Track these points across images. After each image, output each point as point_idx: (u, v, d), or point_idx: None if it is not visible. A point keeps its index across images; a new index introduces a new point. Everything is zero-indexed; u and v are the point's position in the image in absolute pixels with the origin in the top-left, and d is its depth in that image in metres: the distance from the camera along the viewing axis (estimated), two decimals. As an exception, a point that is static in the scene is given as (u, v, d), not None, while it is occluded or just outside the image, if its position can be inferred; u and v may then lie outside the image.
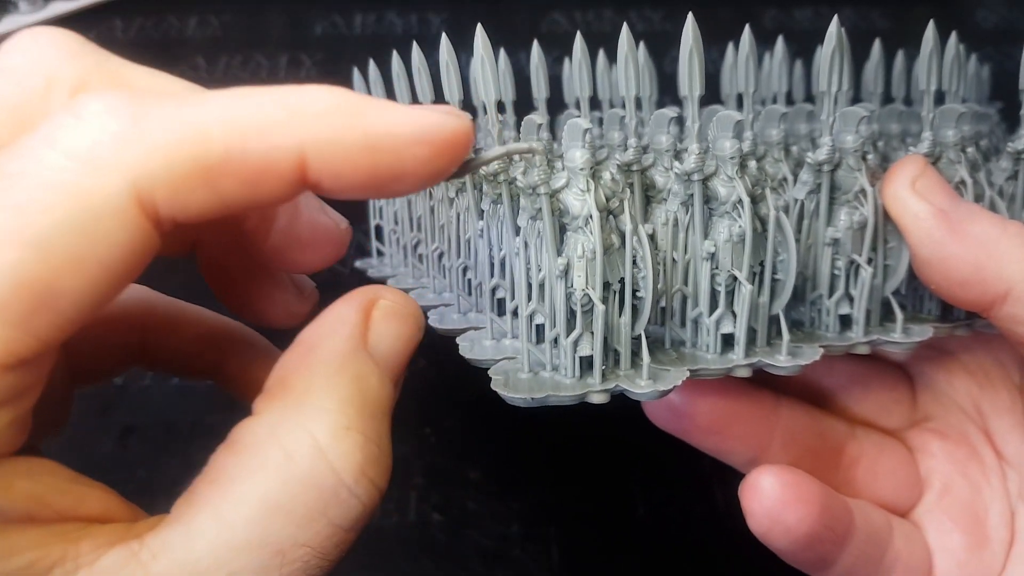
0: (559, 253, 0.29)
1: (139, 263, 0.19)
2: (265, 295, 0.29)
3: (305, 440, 0.21)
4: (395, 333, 0.24)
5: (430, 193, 0.39)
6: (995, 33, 0.62)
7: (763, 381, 0.34)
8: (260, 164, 0.20)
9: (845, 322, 0.33)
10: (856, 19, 0.63)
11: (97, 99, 0.19)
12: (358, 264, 0.46)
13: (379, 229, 0.45)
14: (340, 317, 0.24)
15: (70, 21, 0.68)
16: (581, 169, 0.29)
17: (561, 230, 0.29)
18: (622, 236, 0.29)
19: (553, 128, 0.41)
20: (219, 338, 0.31)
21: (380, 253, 0.46)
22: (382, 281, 0.42)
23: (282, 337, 0.26)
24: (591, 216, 0.28)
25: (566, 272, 0.29)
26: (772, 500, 0.31)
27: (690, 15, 0.29)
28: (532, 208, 0.29)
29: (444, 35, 0.29)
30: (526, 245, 0.30)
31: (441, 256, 0.39)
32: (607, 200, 0.29)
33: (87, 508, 0.21)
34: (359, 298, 0.24)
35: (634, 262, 0.30)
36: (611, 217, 0.29)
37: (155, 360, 0.30)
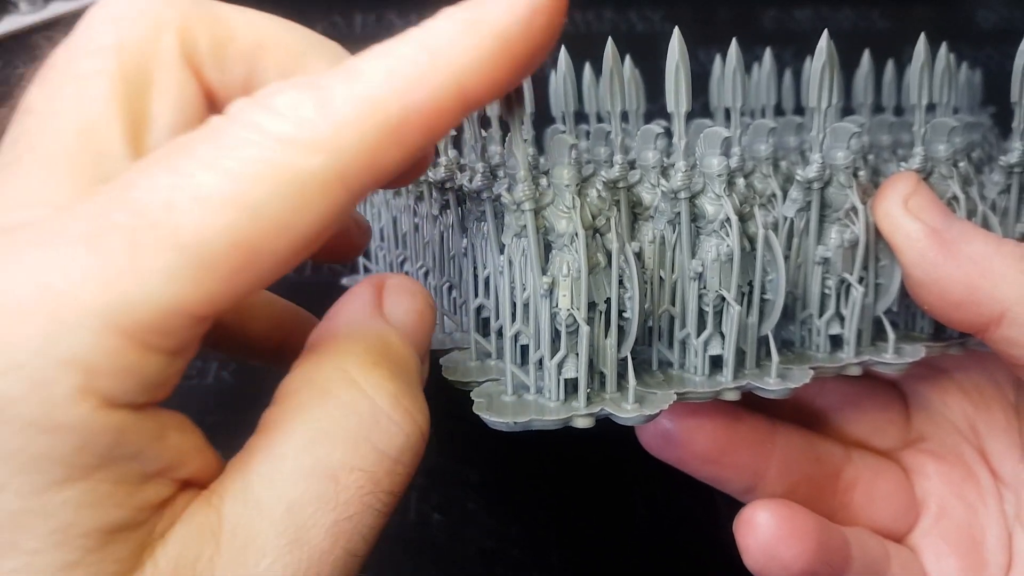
0: (544, 272, 0.28)
1: (331, 229, 0.21)
2: (336, 234, 0.30)
3: (338, 375, 0.23)
4: (406, 305, 0.26)
5: (415, 210, 0.38)
6: (995, 33, 0.62)
7: (757, 405, 0.33)
8: (433, 108, 0.21)
9: (836, 342, 0.33)
10: (856, 19, 0.62)
11: (285, 89, 0.21)
12: (344, 281, 0.46)
13: (365, 246, 0.45)
14: (355, 293, 0.26)
15: (70, 21, 0.67)
16: (567, 186, 0.28)
17: (546, 248, 0.28)
18: (608, 255, 0.29)
19: (539, 142, 0.40)
20: (286, 321, 0.33)
21: (367, 270, 0.45)
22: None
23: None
24: (577, 234, 0.28)
25: (551, 291, 0.28)
26: (768, 536, 0.31)
27: (676, 30, 0.28)
28: (517, 225, 0.28)
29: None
30: (510, 263, 0.29)
31: (427, 274, 0.38)
32: (593, 218, 0.28)
33: (209, 474, 0.22)
34: (369, 280, 0.26)
35: (620, 282, 0.29)
36: (597, 235, 0.29)
37: (227, 341, 0.32)
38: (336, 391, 0.22)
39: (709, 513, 0.46)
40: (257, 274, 0.20)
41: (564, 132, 0.29)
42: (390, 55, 0.21)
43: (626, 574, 0.45)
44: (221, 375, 0.50)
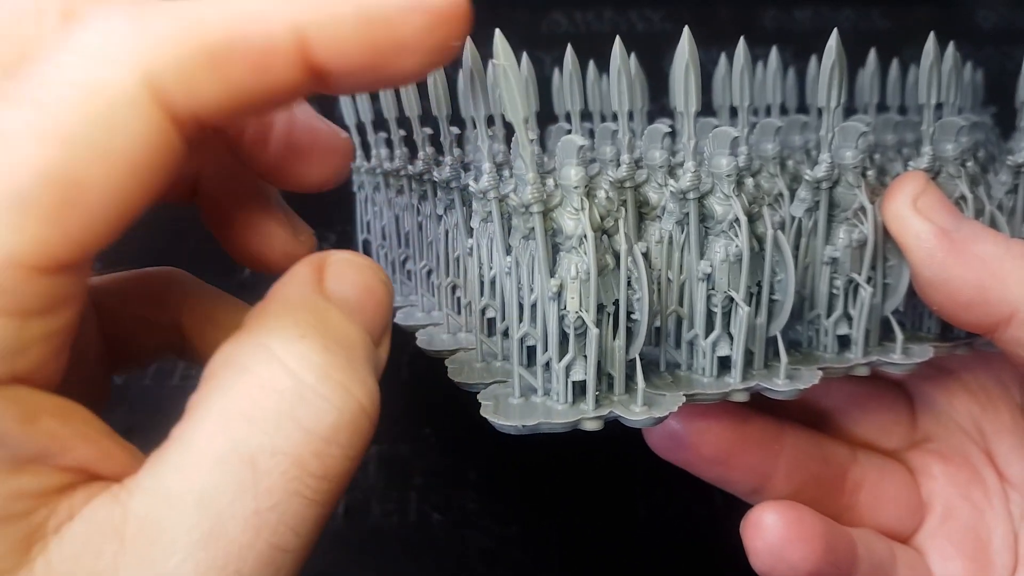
0: (552, 274, 0.28)
1: (163, 163, 0.19)
2: (264, 236, 0.28)
3: (258, 351, 0.21)
4: (351, 279, 0.23)
5: (418, 209, 0.38)
6: (995, 33, 0.61)
7: (764, 405, 0.33)
8: (262, 46, 0.19)
9: (844, 342, 0.32)
10: (856, 19, 0.62)
11: (97, 6, 0.19)
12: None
13: (367, 244, 0.44)
14: (292, 271, 0.23)
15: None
16: (575, 187, 0.28)
17: (553, 250, 0.28)
18: (617, 256, 0.28)
19: (543, 141, 0.40)
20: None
21: None
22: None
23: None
24: (585, 236, 0.27)
25: (559, 294, 0.28)
26: (775, 538, 0.30)
27: (686, 29, 0.28)
28: (524, 228, 0.28)
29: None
30: (518, 265, 0.29)
31: (430, 273, 0.38)
32: (601, 219, 0.28)
33: (110, 466, 0.20)
34: (310, 257, 0.24)
35: (629, 283, 0.29)
36: (605, 237, 0.28)
37: (189, 347, 0.30)
38: (254, 367, 0.20)
39: (709, 513, 0.46)
40: (88, 211, 0.18)
41: (570, 132, 0.29)
42: None
43: (626, 573, 0.45)
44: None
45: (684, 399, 0.29)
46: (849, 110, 0.42)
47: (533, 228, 0.27)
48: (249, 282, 0.53)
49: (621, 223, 0.28)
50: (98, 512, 0.19)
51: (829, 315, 0.32)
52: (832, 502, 0.34)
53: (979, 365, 0.36)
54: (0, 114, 0.18)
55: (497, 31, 0.25)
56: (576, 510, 0.47)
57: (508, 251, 0.29)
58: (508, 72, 0.25)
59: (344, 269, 0.24)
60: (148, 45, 0.19)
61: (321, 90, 0.21)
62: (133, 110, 0.18)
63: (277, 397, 0.20)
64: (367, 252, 0.44)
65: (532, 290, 0.28)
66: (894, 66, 0.42)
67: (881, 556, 0.33)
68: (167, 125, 0.19)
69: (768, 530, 0.31)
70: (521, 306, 0.29)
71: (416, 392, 0.48)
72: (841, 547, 0.32)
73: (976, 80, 0.43)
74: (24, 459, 0.19)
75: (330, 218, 0.47)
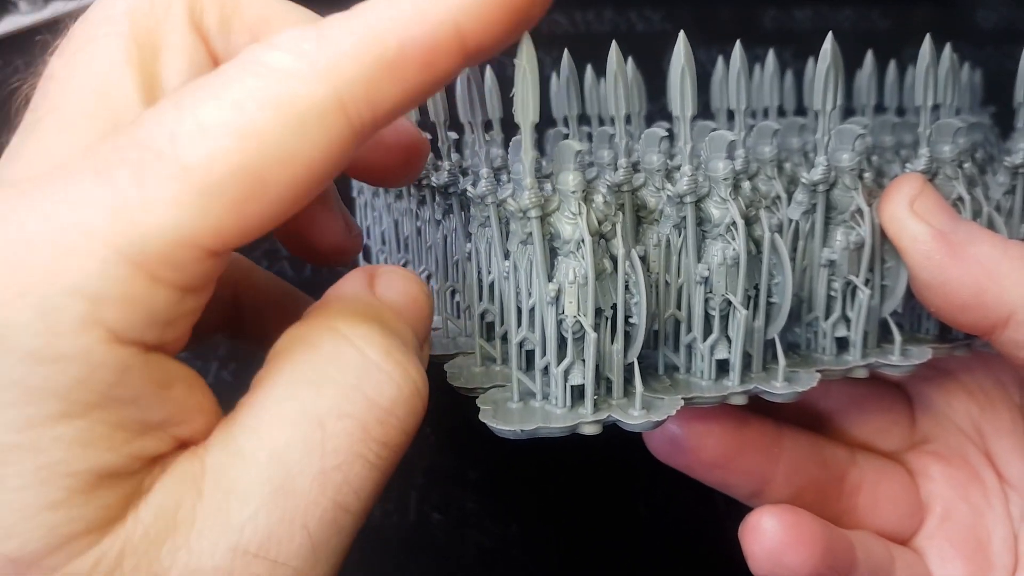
0: (550, 278, 0.28)
1: (337, 167, 0.21)
2: (321, 228, 0.30)
3: (327, 330, 0.22)
4: (399, 287, 0.25)
5: (416, 214, 0.38)
6: (995, 33, 0.61)
7: (763, 408, 0.33)
8: (430, 45, 0.21)
9: (842, 344, 0.32)
10: (856, 19, 0.62)
11: (284, 33, 0.21)
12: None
13: (367, 249, 0.44)
14: (347, 276, 0.25)
15: (71, 21, 0.68)
16: (573, 192, 0.28)
17: (551, 254, 0.28)
18: (614, 261, 0.28)
19: (540, 144, 0.40)
20: (284, 299, 0.33)
21: None
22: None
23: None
24: (583, 240, 0.27)
25: (557, 298, 0.28)
26: (774, 542, 0.31)
27: (681, 33, 0.28)
28: (522, 232, 0.28)
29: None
30: (516, 269, 0.29)
31: (430, 278, 0.38)
32: (599, 224, 0.28)
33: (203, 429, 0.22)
34: (362, 268, 0.26)
35: (627, 287, 0.29)
36: (603, 241, 0.29)
37: (240, 325, 0.32)
38: (322, 344, 0.22)
39: (710, 514, 0.46)
40: (264, 205, 0.20)
41: (568, 136, 0.29)
42: None
43: (626, 573, 0.45)
44: (221, 375, 0.50)
45: (682, 402, 0.29)
46: (848, 111, 0.42)
47: (531, 233, 0.27)
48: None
49: (618, 227, 0.28)
50: (181, 467, 0.20)
51: (827, 317, 0.32)
52: (831, 505, 0.34)
53: (978, 366, 0.36)
54: (202, 108, 0.20)
55: (526, 33, 0.25)
56: (576, 510, 0.47)
57: (506, 255, 0.29)
58: (528, 75, 0.25)
59: (393, 279, 0.25)
60: (335, 63, 0.20)
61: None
62: (322, 120, 0.20)
63: (344, 368, 0.22)
64: (367, 258, 0.45)
65: (530, 294, 0.28)
66: (891, 68, 0.42)
67: (880, 558, 0.33)
68: (348, 132, 0.21)
69: (766, 534, 0.31)
70: (519, 310, 0.29)
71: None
72: (839, 550, 0.32)
73: (974, 80, 0.43)
74: (151, 424, 0.20)
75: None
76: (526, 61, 0.25)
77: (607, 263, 0.28)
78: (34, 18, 0.68)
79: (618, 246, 0.28)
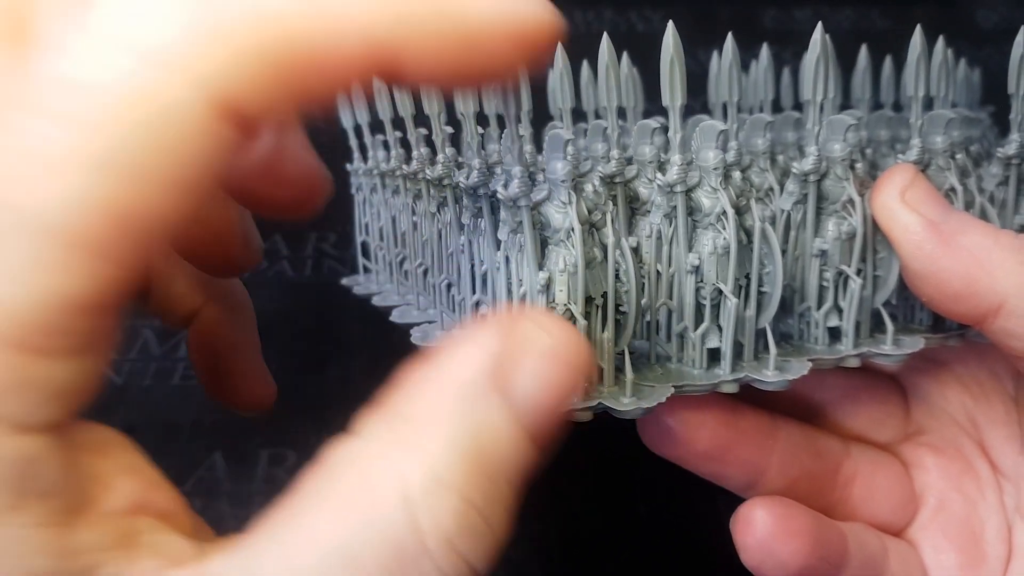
0: (540, 267, 0.28)
1: (218, 168, 0.17)
2: (241, 375, 0.32)
3: (393, 482, 0.18)
4: (545, 379, 0.20)
5: (413, 208, 0.38)
6: (995, 33, 0.62)
7: (758, 400, 0.33)
8: (347, 56, 0.17)
9: (834, 334, 0.33)
10: (856, 19, 0.62)
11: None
12: (344, 281, 0.46)
13: (365, 246, 0.45)
14: (479, 343, 0.20)
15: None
16: (563, 181, 0.28)
17: (542, 244, 0.28)
18: (604, 249, 0.29)
19: (538, 141, 0.40)
20: (203, 283, 0.32)
21: (367, 270, 0.45)
22: (366, 298, 0.42)
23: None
24: (573, 229, 0.28)
25: (547, 287, 0.28)
26: (764, 534, 0.31)
27: (670, 23, 0.28)
28: (513, 221, 0.28)
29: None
30: (507, 260, 0.29)
31: (426, 272, 0.38)
32: (589, 213, 0.29)
33: (154, 500, 0.19)
34: (508, 324, 0.20)
35: (617, 276, 0.29)
36: (593, 230, 0.29)
37: (146, 297, 0.30)
38: (382, 505, 0.18)
39: (711, 512, 0.46)
40: (142, 239, 0.16)
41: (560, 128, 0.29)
42: None
43: (626, 573, 0.45)
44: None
45: (673, 390, 0.29)
46: (845, 108, 0.42)
47: (521, 221, 0.28)
48: (248, 282, 0.54)
49: (609, 216, 0.29)
50: None
51: (819, 307, 0.32)
52: (825, 496, 0.34)
53: (972, 357, 0.36)
54: (34, 128, 0.15)
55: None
56: (576, 509, 0.47)
57: (498, 246, 0.30)
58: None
59: (542, 364, 0.20)
60: (215, 49, 0.16)
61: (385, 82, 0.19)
62: (192, 127, 0.16)
63: (393, 555, 0.18)
64: (365, 254, 0.45)
65: (521, 283, 0.29)
66: (887, 63, 0.42)
67: (872, 550, 0.33)
68: (227, 131, 0.17)
69: (757, 526, 0.31)
70: (511, 299, 0.29)
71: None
72: (831, 542, 0.32)
73: (973, 79, 0.43)
74: (73, 508, 0.17)
75: (331, 219, 0.47)
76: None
77: (597, 252, 0.29)
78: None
79: (608, 235, 0.28)
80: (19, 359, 0.16)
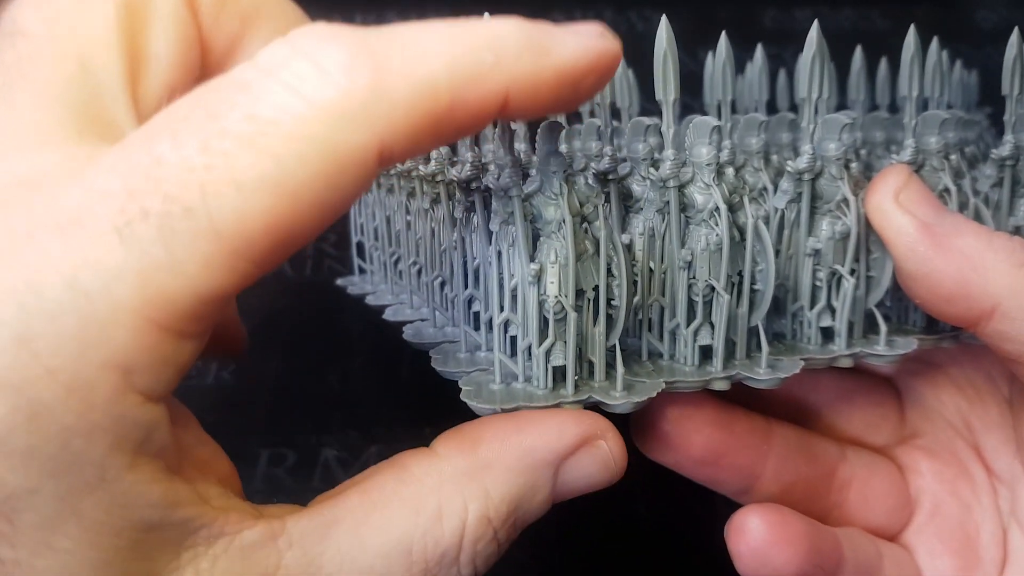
0: (532, 259, 0.28)
1: (351, 202, 0.21)
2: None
3: (457, 507, 0.23)
4: (588, 475, 0.26)
5: (407, 207, 0.38)
6: (995, 33, 0.62)
7: (752, 404, 0.33)
8: (477, 108, 0.21)
9: (827, 334, 0.32)
10: (856, 19, 0.62)
11: (336, 47, 0.19)
12: (339, 282, 0.46)
13: (360, 246, 0.45)
14: (563, 430, 0.26)
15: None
16: (555, 172, 0.28)
17: (534, 236, 0.28)
18: (596, 243, 0.29)
19: (532, 140, 0.40)
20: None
21: (362, 271, 0.45)
22: (361, 298, 0.42)
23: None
24: (564, 221, 0.28)
25: (539, 278, 0.28)
26: (759, 542, 0.31)
27: (664, 18, 0.28)
28: (504, 212, 0.28)
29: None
30: (499, 253, 0.29)
31: (420, 271, 0.38)
32: (581, 205, 0.28)
33: (217, 468, 0.23)
34: (588, 427, 0.26)
35: (608, 270, 0.29)
36: (585, 223, 0.29)
37: None
38: (445, 523, 0.23)
39: (709, 513, 0.45)
40: (286, 252, 0.20)
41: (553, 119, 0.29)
42: (455, 43, 0.20)
43: (626, 573, 0.45)
44: (221, 375, 0.50)
45: (663, 385, 0.29)
46: (841, 108, 0.42)
47: (512, 212, 0.27)
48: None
49: (601, 210, 0.29)
50: (253, 546, 0.21)
51: (812, 307, 0.32)
52: (820, 500, 0.34)
53: (966, 359, 0.36)
54: (231, 154, 0.18)
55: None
56: (576, 509, 0.46)
57: (491, 239, 0.29)
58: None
59: (593, 464, 0.27)
60: (386, 111, 0.19)
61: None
62: (359, 173, 0.19)
63: (439, 558, 0.23)
64: (360, 255, 0.45)
65: (512, 275, 0.28)
66: (883, 65, 0.42)
67: (867, 555, 0.33)
68: (375, 174, 0.20)
69: (751, 534, 0.31)
70: (503, 291, 0.29)
71: (416, 392, 0.49)
72: (826, 548, 0.32)
73: (970, 81, 0.43)
74: (173, 468, 0.21)
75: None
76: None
77: (589, 245, 0.28)
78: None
79: (600, 228, 0.28)
80: (167, 341, 0.19)
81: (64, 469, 0.18)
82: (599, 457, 0.26)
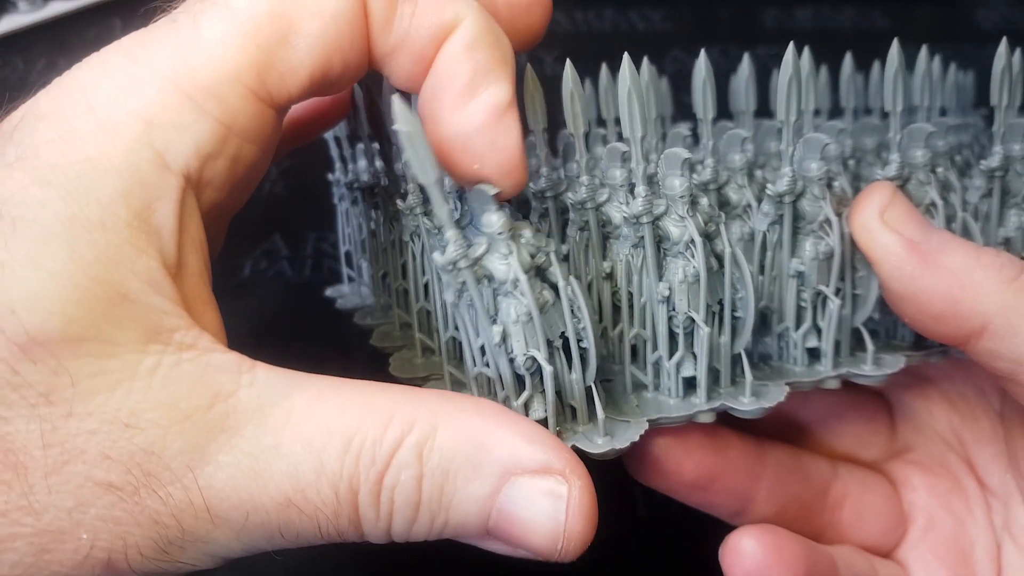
0: (493, 321, 0.27)
1: (351, 43, 0.25)
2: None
3: (405, 424, 0.23)
4: (532, 510, 0.24)
5: (391, 226, 0.38)
6: (997, 33, 0.60)
7: (744, 425, 0.33)
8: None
9: (814, 354, 0.32)
10: (857, 18, 0.61)
11: None
12: (328, 292, 0.45)
13: (348, 256, 0.44)
14: (533, 444, 0.24)
15: (69, 20, 0.68)
16: (500, 234, 0.27)
17: (493, 295, 0.27)
18: (555, 288, 0.28)
19: (554, 145, 0.39)
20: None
21: (351, 279, 0.45)
22: (350, 313, 0.42)
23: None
24: (518, 279, 0.27)
25: (504, 340, 0.27)
26: (754, 564, 0.30)
27: (626, 56, 0.27)
28: (456, 282, 0.27)
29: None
30: (462, 320, 0.28)
31: (384, 276, 0.38)
32: (532, 257, 0.27)
33: (212, 322, 0.25)
34: (560, 459, 0.24)
35: (572, 313, 0.28)
36: (540, 273, 0.28)
37: None
38: (378, 435, 0.23)
39: (709, 515, 0.46)
40: (295, 57, 0.24)
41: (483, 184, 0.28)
42: None
43: (626, 573, 0.45)
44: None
45: (647, 426, 0.29)
46: (832, 114, 0.41)
47: (464, 282, 0.27)
48: (248, 282, 0.54)
49: (553, 256, 0.27)
50: (218, 369, 0.22)
51: (798, 328, 0.32)
52: (814, 519, 0.34)
53: (958, 373, 0.35)
54: None
55: (396, 97, 0.23)
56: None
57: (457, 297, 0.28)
58: (414, 137, 0.23)
59: (544, 502, 0.24)
60: None
61: None
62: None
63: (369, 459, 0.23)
64: (349, 264, 0.45)
65: (478, 334, 0.28)
66: (875, 69, 0.41)
67: (862, 573, 0.33)
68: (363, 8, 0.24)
69: (747, 556, 0.31)
70: (483, 348, 0.28)
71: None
72: (821, 568, 0.32)
73: (965, 82, 0.42)
74: (172, 259, 0.23)
75: (331, 220, 0.47)
76: (404, 124, 0.23)
77: (548, 295, 0.27)
78: (34, 17, 0.68)
79: (556, 276, 0.27)
80: (184, 107, 0.23)
81: (73, 196, 0.21)
82: (552, 492, 0.24)
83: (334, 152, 0.42)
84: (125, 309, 0.21)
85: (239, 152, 0.24)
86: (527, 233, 0.27)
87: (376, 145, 0.35)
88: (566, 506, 0.24)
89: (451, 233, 0.26)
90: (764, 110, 0.40)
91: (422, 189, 0.28)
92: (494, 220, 0.27)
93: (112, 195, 0.22)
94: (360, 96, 0.34)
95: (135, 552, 0.21)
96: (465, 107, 0.25)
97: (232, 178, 0.24)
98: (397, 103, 0.23)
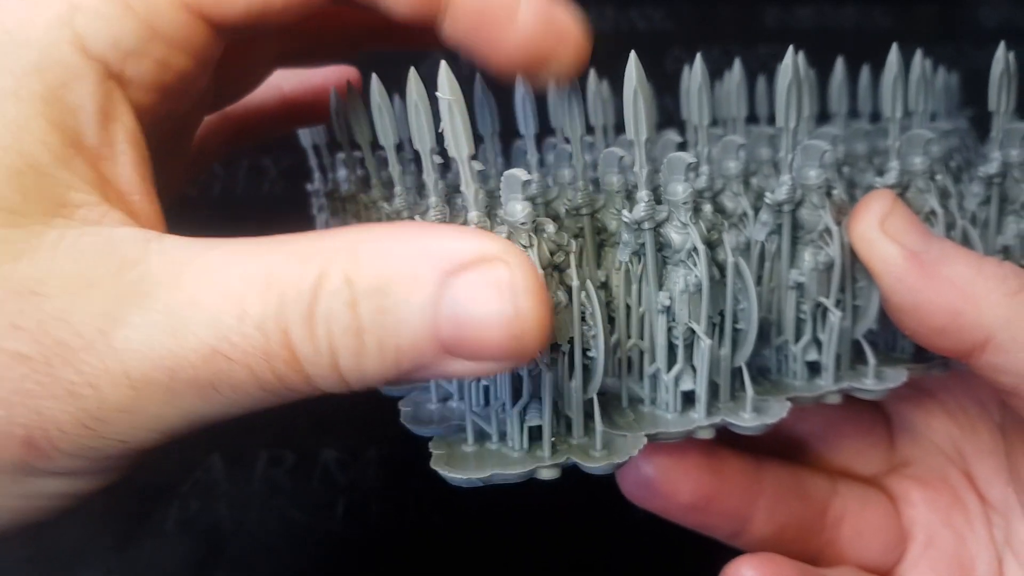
0: None
1: None
2: None
3: (326, 260, 0.21)
4: (478, 301, 0.21)
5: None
6: (997, 32, 0.60)
7: (740, 442, 0.32)
8: None
9: (814, 368, 0.31)
10: (858, 18, 0.61)
11: None
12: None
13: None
14: (461, 241, 0.22)
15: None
16: (522, 224, 0.26)
17: None
18: (569, 291, 0.27)
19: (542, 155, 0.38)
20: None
21: None
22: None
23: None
24: None
25: None
26: None
27: (632, 55, 0.26)
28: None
29: (412, 71, 0.26)
30: None
31: None
32: (552, 255, 0.27)
33: (140, 210, 0.24)
34: (491, 247, 0.22)
35: (583, 318, 0.27)
36: (556, 272, 0.27)
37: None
38: (298, 271, 0.21)
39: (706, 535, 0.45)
40: None
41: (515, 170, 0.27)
42: None
43: (626, 573, 0.45)
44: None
45: (645, 440, 0.28)
46: (822, 118, 0.40)
47: None
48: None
49: (572, 258, 0.27)
50: (124, 240, 0.22)
51: (797, 340, 0.31)
52: (814, 539, 0.33)
53: (957, 385, 0.35)
54: None
55: (443, 63, 0.23)
56: (575, 510, 0.46)
57: None
58: (454, 107, 0.23)
59: (486, 289, 0.21)
60: None
61: None
62: None
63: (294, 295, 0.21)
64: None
65: None
66: (865, 72, 0.40)
67: None
68: None
69: None
70: None
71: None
72: None
73: (951, 84, 0.41)
74: (85, 146, 0.23)
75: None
76: (450, 93, 0.23)
77: (561, 295, 0.27)
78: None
79: (572, 277, 0.27)
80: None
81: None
82: (494, 280, 0.21)
83: (312, 162, 0.40)
84: (32, 180, 0.21)
85: (167, 59, 0.24)
86: (550, 228, 0.27)
87: (357, 153, 0.34)
88: (511, 288, 0.21)
89: (472, 215, 0.25)
90: (751, 116, 0.39)
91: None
92: (518, 210, 0.26)
93: (27, 67, 0.22)
94: (337, 104, 0.33)
95: (54, 428, 0.20)
96: (515, 20, 0.25)
97: (160, 84, 0.24)
98: (444, 70, 0.23)
